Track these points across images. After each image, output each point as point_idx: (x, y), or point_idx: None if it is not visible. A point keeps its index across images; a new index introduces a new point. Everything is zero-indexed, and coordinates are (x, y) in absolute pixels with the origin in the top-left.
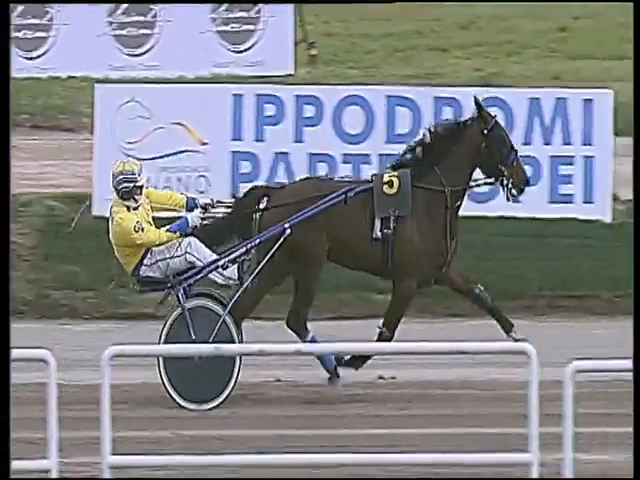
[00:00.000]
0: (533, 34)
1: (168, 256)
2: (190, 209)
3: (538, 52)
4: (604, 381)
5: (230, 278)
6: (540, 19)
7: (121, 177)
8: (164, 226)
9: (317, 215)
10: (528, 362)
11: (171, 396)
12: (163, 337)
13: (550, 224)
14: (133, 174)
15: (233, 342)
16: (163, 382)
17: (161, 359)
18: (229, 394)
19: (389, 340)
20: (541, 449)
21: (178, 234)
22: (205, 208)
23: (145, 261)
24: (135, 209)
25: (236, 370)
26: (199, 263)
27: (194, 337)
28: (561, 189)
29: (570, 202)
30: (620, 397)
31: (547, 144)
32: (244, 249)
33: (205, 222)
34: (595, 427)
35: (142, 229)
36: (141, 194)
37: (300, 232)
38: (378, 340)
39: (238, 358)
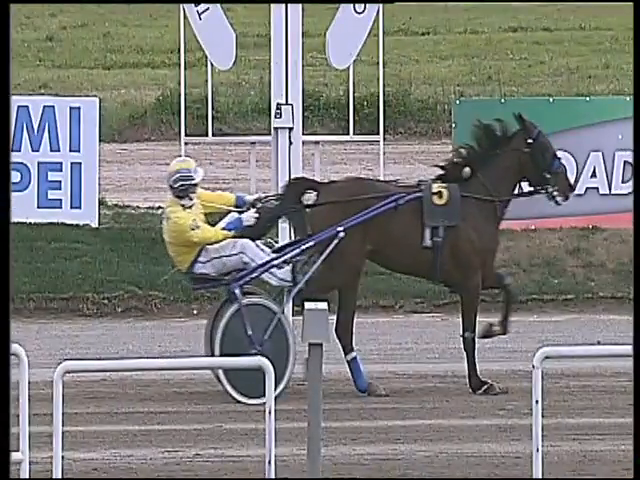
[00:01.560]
0: (21, 43)
1: (223, 254)
2: (238, 206)
3: (26, 61)
4: (94, 381)
5: (284, 279)
6: (28, 28)
7: (177, 175)
8: (216, 224)
9: (368, 221)
10: (18, 363)
11: (227, 391)
12: (220, 334)
13: (39, 228)
14: (189, 172)
15: (287, 340)
16: (218, 377)
17: (217, 354)
18: (284, 388)
19: (474, 341)
20: (34, 448)
21: (233, 233)
22: (254, 205)
23: (200, 258)
24: (189, 207)
25: (290, 364)
26: (253, 264)
27: (250, 334)
28: (50, 195)
29: (58, 207)
30: (106, 396)
31: (36, 151)
32: (298, 250)
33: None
34: (84, 426)
35: (198, 227)
36: (195, 192)
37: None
38: (465, 345)
39: (293, 352)
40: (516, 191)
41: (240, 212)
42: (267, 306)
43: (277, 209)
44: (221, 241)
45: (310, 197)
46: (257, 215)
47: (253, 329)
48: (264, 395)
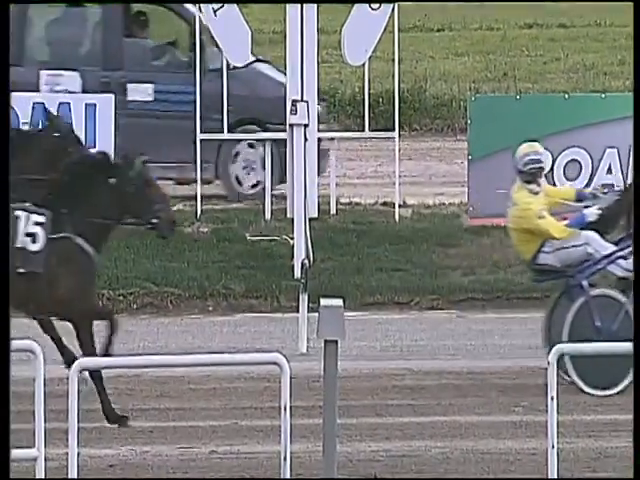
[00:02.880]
0: None
1: (568, 245)
2: (579, 200)
3: None
4: (109, 377)
5: (629, 269)
6: None
7: (527, 159)
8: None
9: None
10: (34, 360)
11: (574, 382)
12: (567, 325)
13: None
14: (539, 156)
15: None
16: (566, 368)
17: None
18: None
19: None
20: (49, 445)
21: (576, 230)
22: (594, 196)
23: (544, 249)
24: (536, 194)
25: None
26: (597, 255)
27: (599, 325)
28: None
29: None
30: (122, 392)
31: None
32: None
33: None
34: (99, 422)
35: (544, 217)
36: (542, 177)
37: None
38: None
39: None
40: None
41: (585, 207)
42: (614, 297)
43: (621, 206)
44: (564, 238)
45: None
46: (600, 212)
47: (602, 320)
48: (615, 386)
